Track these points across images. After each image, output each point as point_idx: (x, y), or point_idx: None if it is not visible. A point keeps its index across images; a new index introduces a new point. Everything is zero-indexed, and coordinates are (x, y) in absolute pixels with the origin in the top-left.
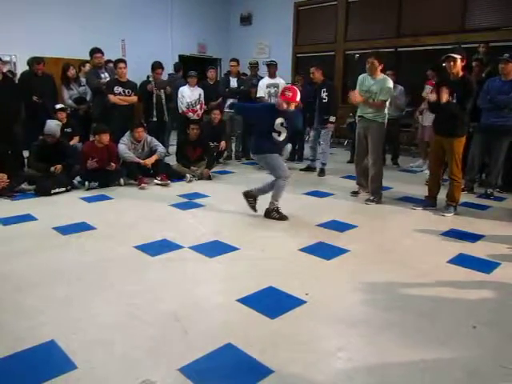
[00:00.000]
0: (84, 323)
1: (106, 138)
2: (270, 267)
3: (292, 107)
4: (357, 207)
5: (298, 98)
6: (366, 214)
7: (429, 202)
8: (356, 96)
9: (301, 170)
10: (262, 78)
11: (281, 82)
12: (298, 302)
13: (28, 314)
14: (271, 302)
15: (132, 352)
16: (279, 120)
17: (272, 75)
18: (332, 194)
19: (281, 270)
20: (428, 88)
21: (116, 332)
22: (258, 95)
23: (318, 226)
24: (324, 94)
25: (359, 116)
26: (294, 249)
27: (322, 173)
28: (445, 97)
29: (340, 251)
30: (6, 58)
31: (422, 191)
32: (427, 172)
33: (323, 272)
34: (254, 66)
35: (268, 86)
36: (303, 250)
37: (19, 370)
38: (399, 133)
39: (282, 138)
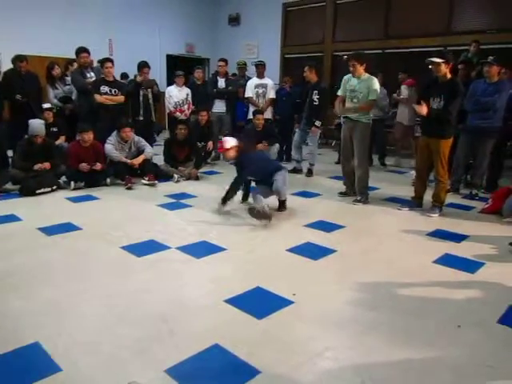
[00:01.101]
0: (69, 325)
1: (89, 136)
2: (258, 268)
3: (231, 154)
4: (344, 207)
5: (228, 144)
6: (353, 214)
7: (415, 203)
8: (423, 108)
9: (307, 173)
10: (250, 78)
11: (269, 82)
12: (286, 303)
13: (11, 315)
14: (258, 303)
15: (119, 353)
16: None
17: (260, 75)
18: (320, 195)
19: (268, 270)
20: (404, 88)
21: (102, 333)
22: (245, 95)
23: (305, 226)
24: (315, 97)
25: (344, 117)
26: (281, 249)
27: (309, 173)
28: (424, 110)
29: (327, 251)
30: None
31: (408, 192)
32: (413, 173)
33: (310, 272)
34: (242, 67)
35: (256, 87)
36: (291, 250)
37: (2, 372)
38: (385, 133)
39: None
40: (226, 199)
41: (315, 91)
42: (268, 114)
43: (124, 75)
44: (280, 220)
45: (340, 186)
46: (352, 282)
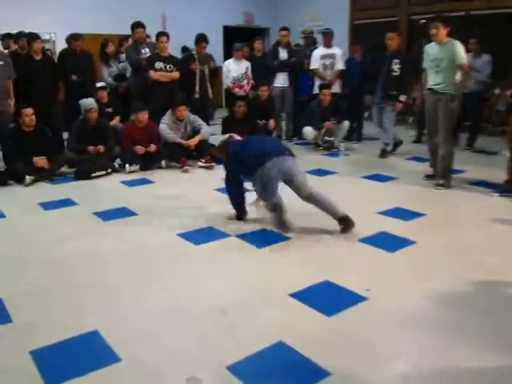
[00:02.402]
0: (128, 314)
1: (143, 116)
2: (326, 259)
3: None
4: (424, 193)
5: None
6: (434, 200)
7: (508, 188)
8: None
9: (380, 153)
10: (315, 48)
11: (337, 51)
12: (358, 299)
13: (72, 302)
14: (327, 298)
15: (178, 346)
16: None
17: (327, 45)
18: (396, 178)
19: (338, 262)
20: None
21: (161, 324)
22: (311, 67)
23: (379, 213)
24: (396, 66)
25: (428, 89)
26: (352, 239)
27: (383, 154)
28: None
29: (404, 242)
30: (45, 37)
31: (500, 175)
32: (505, 153)
33: (386, 266)
34: (309, 36)
35: (323, 57)
36: (363, 240)
37: (63, 359)
38: (481, 110)
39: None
40: (240, 213)
41: (395, 60)
42: (336, 88)
43: (185, 49)
44: (349, 204)
45: (419, 168)
46: (432, 278)
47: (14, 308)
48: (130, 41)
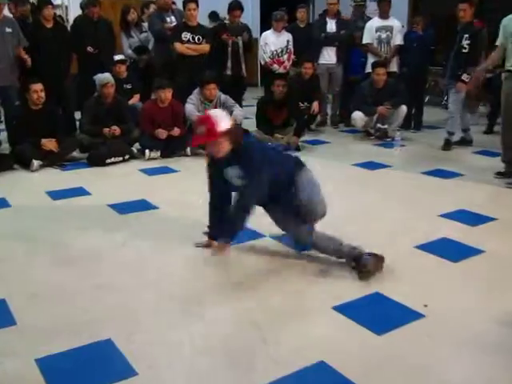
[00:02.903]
0: (144, 321)
1: (167, 95)
2: None
3: (223, 147)
4: (495, 193)
5: (223, 126)
6: (507, 202)
7: None
8: None
9: (444, 145)
10: (369, 18)
11: (395, 24)
12: (414, 316)
13: (83, 305)
14: (377, 313)
15: (201, 361)
16: (230, 172)
17: (384, 15)
18: (461, 175)
19: (390, 272)
20: None
21: (182, 334)
22: (364, 41)
23: (440, 216)
24: (465, 42)
25: (507, 70)
26: (408, 245)
27: (447, 145)
28: None
29: (470, 251)
30: (57, 2)
31: None
32: None
33: (447, 278)
34: (361, 4)
35: (378, 30)
36: (421, 247)
37: (73, 370)
38: None
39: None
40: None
41: (465, 35)
42: (393, 67)
43: (214, 16)
44: (405, 204)
45: (489, 163)
46: (504, 294)
47: (19, 310)
48: (152, 8)
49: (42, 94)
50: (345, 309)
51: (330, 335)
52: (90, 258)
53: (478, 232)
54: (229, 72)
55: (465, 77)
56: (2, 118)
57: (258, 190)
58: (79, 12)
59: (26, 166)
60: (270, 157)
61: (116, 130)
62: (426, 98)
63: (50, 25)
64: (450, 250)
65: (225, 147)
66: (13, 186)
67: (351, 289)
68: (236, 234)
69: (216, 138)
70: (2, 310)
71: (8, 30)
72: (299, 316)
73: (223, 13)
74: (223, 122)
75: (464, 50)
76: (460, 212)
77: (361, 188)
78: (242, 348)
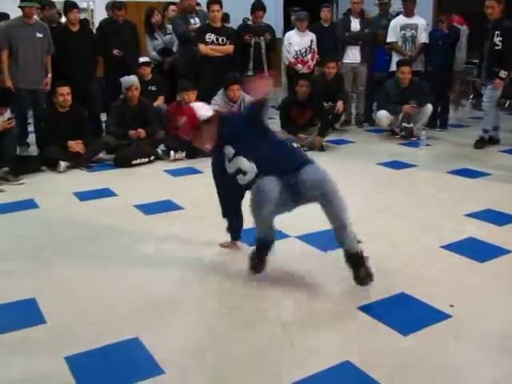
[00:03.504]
0: (172, 322)
1: (191, 97)
2: (402, 268)
3: (208, 136)
4: None
5: (203, 113)
6: None
7: None
8: None
9: (477, 143)
10: (394, 17)
11: (420, 22)
12: (440, 316)
13: (111, 304)
14: (403, 314)
15: (226, 363)
16: (227, 150)
17: (409, 13)
18: (488, 174)
19: (416, 272)
20: None
21: (210, 336)
22: (388, 40)
23: (467, 215)
24: (497, 39)
25: None
26: (433, 244)
27: (480, 143)
28: None
29: (498, 251)
30: (83, 5)
31: None
32: None
33: (474, 278)
34: (385, 3)
35: (403, 28)
36: (446, 247)
37: (100, 368)
38: None
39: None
40: (232, 234)
41: (497, 32)
42: (418, 65)
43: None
44: (431, 204)
45: None
46: None
47: (48, 308)
48: (171, 10)
49: (69, 97)
50: (370, 309)
51: (355, 335)
52: (117, 257)
53: (505, 232)
54: (250, 73)
55: (502, 74)
56: (30, 121)
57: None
58: (105, 15)
59: (54, 167)
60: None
61: (141, 132)
62: (452, 97)
63: (75, 28)
64: (476, 250)
65: (209, 136)
66: (41, 188)
67: (376, 289)
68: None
69: (197, 123)
70: (32, 309)
71: (39, 35)
72: (325, 316)
73: (246, 14)
74: (202, 110)
75: (497, 47)
76: (487, 211)
77: (385, 187)
78: (268, 348)
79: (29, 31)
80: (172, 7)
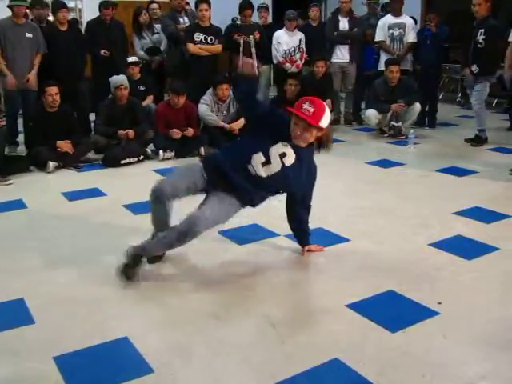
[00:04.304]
0: (162, 321)
1: (180, 101)
2: (390, 265)
3: (310, 139)
4: (511, 190)
5: (324, 122)
6: None
7: None
8: None
9: (466, 140)
10: (382, 16)
11: (408, 21)
12: (428, 313)
13: (100, 304)
14: (391, 311)
15: (216, 359)
16: (281, 148)
17: (396, 13)
18: (475, 172)
19: (405, 269)
20: None
21: (198, 334)
22: (376, 39)
23: (455, 214)
24: (481, 37)
25: None
26: (421, 242)
27: (476, 141)
28: None
29: (485, 249)
30: (71, 5)
31: None
32: None
33: (462, 276)
34: (373, 2)
35: (391, 27)
36: (434, 244)
37: (90, 367)
38: None
39: (264, 174)
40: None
41: (481, 30)
42: (406, 64)
43: None
44: (419, 202)
45: (505, 160)
46: None
47: (37, 309)
48: (156, 6)
49: (57, 97)
50: (359, 307)
51: (343, 333)
52: (107, 257)
53: (493, 229)
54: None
55: (474, 68)
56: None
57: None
58: (93, 15)
59: (42, 167)
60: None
61: (130, 132)
62: (440, 95)
63: (64, 28)
64: (464, 248)
65: (311, 139)
66: (29, 188)
67: (365, 287)
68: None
69: (317, 123)
70: (21, 309)
71: (28, 35)
72: (313, 314)
73: (234, 13)
74: (326, 119)
75: (480, 45)
76: (475, 209)
77: (374, 186)
78: (258, 346)
79: (18, 31)
80: (154, 5)
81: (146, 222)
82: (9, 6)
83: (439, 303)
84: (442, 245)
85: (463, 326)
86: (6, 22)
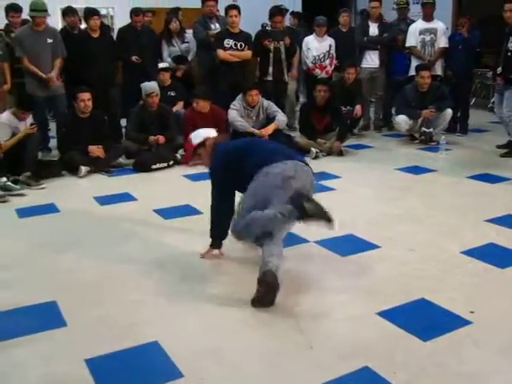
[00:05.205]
0: (192, 327)
1: (203, 106)
2: (422, 273)
3: (205, 158)
4: None
5: (194, 141)
6: None
7: None
8: None
9: (498, 146)
10: (413, 21)
11: (439, 26)
12: (460, 322)
13: (131, 308)
14: (423, 319)
15: (245, 366)
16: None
17: (428, 17)
18: (509, 179)
19: (437, 277)
20: None
21: (228, 340)
22: (407, 44)
23: (487, 221)
24: (511, 45)
25: None
26: (454, 250)
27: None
28: None
29: None
30: (103, 12)
31: None
32: None
33: (495, 284)
34: (403, 7)
35: (422, 33)
36: (467, 252)
37: (120, 370)
38: None
39: None
40: (214, 239)
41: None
42: (437, 70)
43: None
44: (450, 209)
45: None
46: None
47: (69, 312)
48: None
49: (89, 103)
50: (390, 315)
51: (374, 341)
52: (137, 261)
53: None
54: (270, 78)
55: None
56: (50, 126)
57: (214, 190)
58: (125, 21)
59: (74, 172)
60: (230, 156)
61: (161, 138)
62: (472, 101)
63: (96, 35)
64: (497, 256)
65: (206, 158)
66: (61, 192)
67: (396, 295)
68: (215, 235)
69: (189, 154)
70: (53, 312)
71: (49, 40)
72: (344, 322)
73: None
74: (195, 139)
75: (509, 54)
76: (508, 217)
77: (404, 192)
78: (287, 352)
79: (39, 38)
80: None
81: (176, 226)
82: (30, 16)
83: (471, 312)
84: (474, 252)
85: (495, 335)
86: (25, 32)
